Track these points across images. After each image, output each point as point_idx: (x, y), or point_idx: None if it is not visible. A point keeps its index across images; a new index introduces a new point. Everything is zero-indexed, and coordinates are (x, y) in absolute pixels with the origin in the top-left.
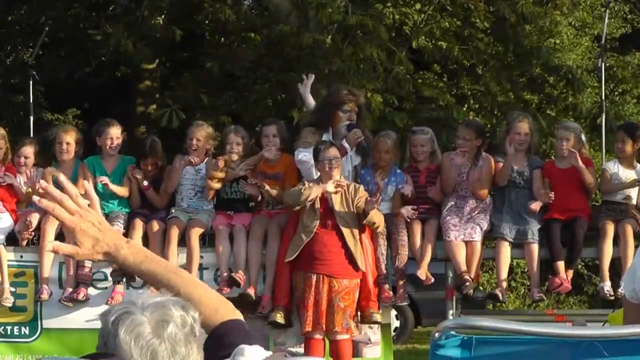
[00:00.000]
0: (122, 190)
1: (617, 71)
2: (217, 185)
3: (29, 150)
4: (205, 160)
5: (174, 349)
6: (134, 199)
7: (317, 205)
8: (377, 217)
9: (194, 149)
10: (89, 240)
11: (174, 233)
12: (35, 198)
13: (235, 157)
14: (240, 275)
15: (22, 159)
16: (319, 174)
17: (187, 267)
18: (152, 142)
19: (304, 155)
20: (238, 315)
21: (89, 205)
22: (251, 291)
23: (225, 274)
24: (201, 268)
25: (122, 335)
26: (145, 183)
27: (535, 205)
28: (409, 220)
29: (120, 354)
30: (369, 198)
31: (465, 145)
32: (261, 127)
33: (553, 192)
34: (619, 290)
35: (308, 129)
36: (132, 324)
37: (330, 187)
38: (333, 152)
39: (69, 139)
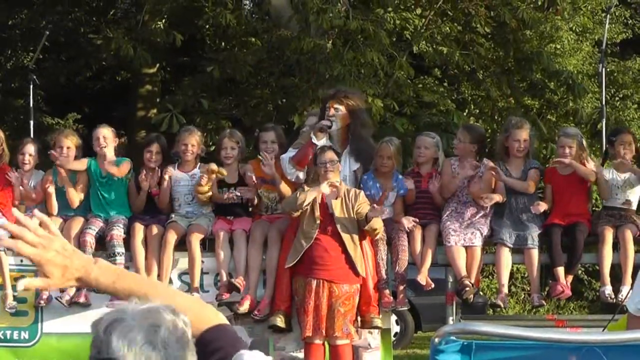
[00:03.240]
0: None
1: (617, 76)
2: (205, 198)
3: (32, 149)
4: (199, 166)
5: (167, 353)
6: (139, 205)
7: (317, 211)
8: (377, 223)
9: (188, 155)
10: (57, 270)
11: (171, 238)
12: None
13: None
14: (239, 281)
15: (27, 157)
16: (295, 170)
17: (190, 272)
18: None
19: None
20: (222, 319)
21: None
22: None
23: (224, 280)
24: (201, 273)
25: (115, 343)
26: (156, 189)
27: (538, 207)
28: (408, 231)
29: None
30: (374, 206)
31: (459, 146)
32: (259, 133)
33: (554, 197)
34: (620, 295)
35: (308, 132)
36: (124, 330)
37: (325, 188)
38: (329, 155)
39: (69, 144)
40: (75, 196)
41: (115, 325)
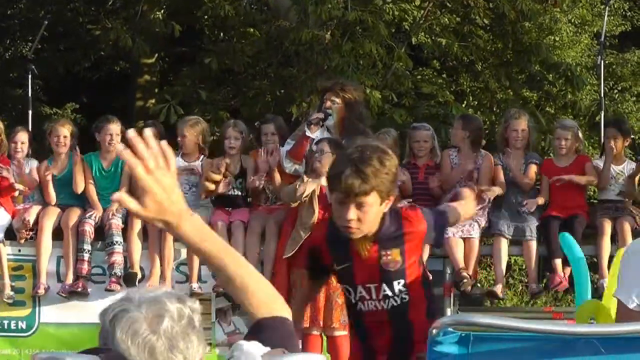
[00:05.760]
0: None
1: (616, 69)
2: (212, 186)
3: (24, 137)
4: (201, 158)
5: (171, 343)
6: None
7: (315, 201)
8: None
9: (181, 146)
10: (154, 205)
11: None
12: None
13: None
14: None
15: (19, 145)
16: (292, 164)
17: (189, 263)
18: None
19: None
20: (287, 312)
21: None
22: None
23: None
24: (199, 263)
25: (119, 334)
26: None
27: (531, 205)
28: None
29: (119, 353)
30: None
31: (454, 133)
32: (259, 125)
33: (552, 190)
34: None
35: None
36: (128, 321)
37: (325, 180)
38: (319, 146)
39: (66, 132)
40: (81, 181)
41: (120, 316)
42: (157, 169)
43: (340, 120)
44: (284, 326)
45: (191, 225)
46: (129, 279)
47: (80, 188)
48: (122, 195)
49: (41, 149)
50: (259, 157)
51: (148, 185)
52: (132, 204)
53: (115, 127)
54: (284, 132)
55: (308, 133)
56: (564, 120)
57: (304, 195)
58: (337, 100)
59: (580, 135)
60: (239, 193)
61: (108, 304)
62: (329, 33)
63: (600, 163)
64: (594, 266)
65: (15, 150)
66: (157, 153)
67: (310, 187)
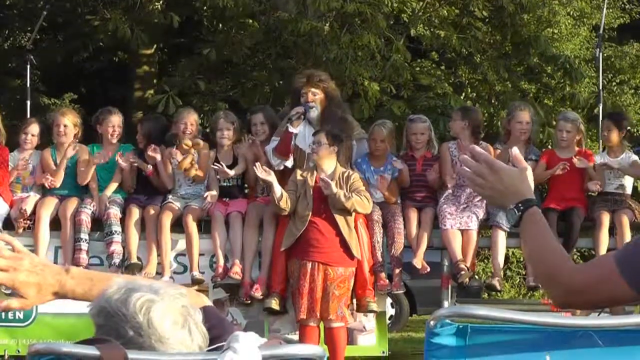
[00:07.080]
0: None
1: (614, 61)
2: (194, 172)
3: (35, 129)
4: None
5: (199, 328)
6: (126, 185)
7: (310, 193)
8: (349, 201)
9: (188, 133)
10: (32, 289)
11: (166, 219)
12: None
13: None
14: (236, 271)
15: (29, 137)
16: (280, 161)
17: (188, 253)
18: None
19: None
20: (205, 301)
21: (13, 250)
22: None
23: (220, 270)
24: None
25: (160, 323)
26: (150, 168)
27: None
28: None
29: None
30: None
31: (453, 125)
32: (249, 116)
33: (551, 181)
34: None
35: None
36: (165, 311)
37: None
38: (316, 138)
39: (67, 122)
40: (91, 174)
41: (151, 307)
42: (9, 260)
43: (321, 111)
44: (212, 312)
45: (74, 281)
46: (132, 269)
47: (87, 180)
48: (5, 304)
49: (41, 139)
50: (242, 148)
51: (14, 280)
52: (15, 303)
53: (117, 119)
54: (274, 121)
55: (291, 129)
56: (566, 112)
57: (277, 198)
58: (318, 91)
59: (583, 128)
60: (236, 183)
61: (110, 294)
62: (327, 25)
63: (597, 158)
64: (591, 259)
65: (25, 142)
66: None
67: (276, 189)
